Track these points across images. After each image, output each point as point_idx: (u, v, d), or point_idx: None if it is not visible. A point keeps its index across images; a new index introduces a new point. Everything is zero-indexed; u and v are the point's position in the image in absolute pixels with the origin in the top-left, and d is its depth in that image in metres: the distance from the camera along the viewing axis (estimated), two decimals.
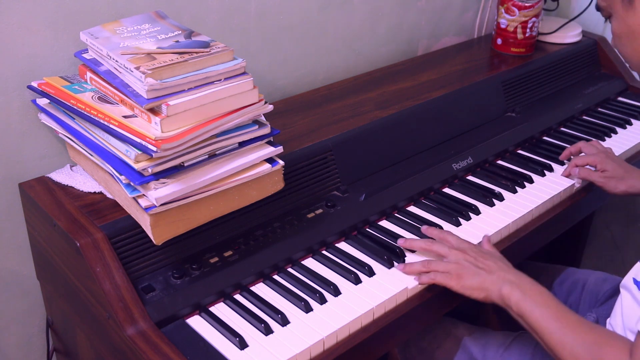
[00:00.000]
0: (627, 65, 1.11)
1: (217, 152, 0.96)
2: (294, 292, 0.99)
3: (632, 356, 0.83)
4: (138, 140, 0.89)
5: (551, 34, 1.76)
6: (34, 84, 1.03)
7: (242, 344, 0.90)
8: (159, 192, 0.90)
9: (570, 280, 1.34)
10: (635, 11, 1.01)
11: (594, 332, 0.89)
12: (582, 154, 1.33)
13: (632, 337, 0.90)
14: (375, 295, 0.99)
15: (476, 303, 1.02)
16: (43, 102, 1.06)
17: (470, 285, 0.99)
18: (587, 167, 1.30)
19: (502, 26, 1.68)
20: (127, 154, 0.90)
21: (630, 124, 1.56)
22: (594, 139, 1.41)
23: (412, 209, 1.21)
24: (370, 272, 1.04)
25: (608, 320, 1.06)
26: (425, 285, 1.03)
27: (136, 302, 0.92)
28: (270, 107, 1.01)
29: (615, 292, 1.24)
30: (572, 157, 1.35)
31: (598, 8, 1.09)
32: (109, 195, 1.04)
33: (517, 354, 1.13)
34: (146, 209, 0.91)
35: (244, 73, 0.97)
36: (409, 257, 1.07)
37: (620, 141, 1.49)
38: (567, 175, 1.31)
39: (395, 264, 1.06)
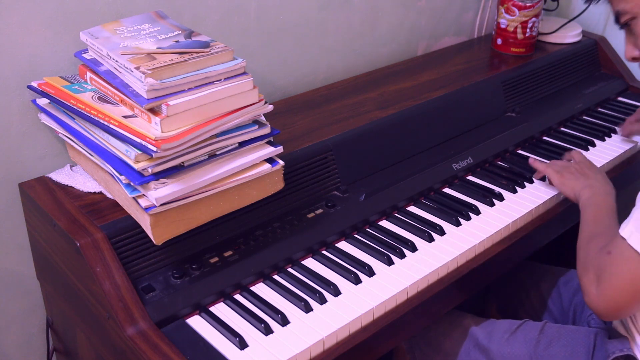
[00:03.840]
0: None
1: (217, 152, 0.96)
2: (294, 292, 0.99)
3: (604, 248, 0.98)
4: (138, 140, 0.89)
5: (551, 34, 1.76)
6: (34, 84, 1.03)
7: (242, 344, 0.90)
8: (159, 192, 0.90)
9: (576, 280, 1.34)
10: None
11: (601, 227, 1.06)
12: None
13: None
14: (375, 295, 0.99)
15: (481, 298, 1.04)
16: (43, 102, 1.06)
17: (567, 184, 1.21)
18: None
19: (502, 26, 1.68)
20: (127, 154, 0.90)
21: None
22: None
23: (412, 209, 1.21)
24: (370, 272, 1.04)
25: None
26: (541, 175, 1.29)
27: (136, 302, 0.92)
28: (270, 107, 1.01)
29: None
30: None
31: (617, 17, 1.06)
32: (109, 195, 1.04)
33: (522, 339, 1.14)
34: (146, 209, 0.91)
35: (244, 73, 0.97)
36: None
37: (621, 141, 1.49)
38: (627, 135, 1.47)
39: (396, 262, 1.06)
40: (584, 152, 1.42)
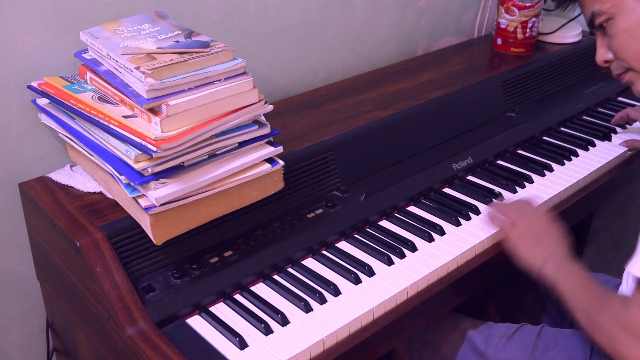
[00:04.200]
0: (634, 66, 1.05)
1: (217, 152, 0.97)
2: (294, 292, 0.99)
3: (628, 303, 0.90)
4: (138, 140, 0.89)
5: (551, 34, 1.76)
6: (34, 84, 1.03)
7: (242, 344, 0.90)
8: (159, 192, 0.90)
9: None
10: None
11: (595, 292, 0.96)
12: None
13: None
14: (375, 295, 0.99)
15: (480, 299, 1.03)
16: (43, 102, 1.06)
17: (522, 249, 1.07)
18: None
19: (502, 26, 1.68)
20: (127, 154, 0.90)
21: (631, 124, 1.56)
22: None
23: (412, 209, 1.21)
24: (370, 272, 1.04)
25: None
26: (493, 228, 1.14)
27: (136, 302, 0.92)
28: (270, 107, 1.01)
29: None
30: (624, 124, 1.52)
31: (592, 19, 1.05)
32: (109, 195, 1.04)
33: (519, 344, 1.14)
34: (146, 209, 0.91)
35: (244, 73, 0.97)
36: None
37: (621, 141, 1.49)
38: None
39: (396, 262, 1.06)
40: (584, 152, 1.42)
